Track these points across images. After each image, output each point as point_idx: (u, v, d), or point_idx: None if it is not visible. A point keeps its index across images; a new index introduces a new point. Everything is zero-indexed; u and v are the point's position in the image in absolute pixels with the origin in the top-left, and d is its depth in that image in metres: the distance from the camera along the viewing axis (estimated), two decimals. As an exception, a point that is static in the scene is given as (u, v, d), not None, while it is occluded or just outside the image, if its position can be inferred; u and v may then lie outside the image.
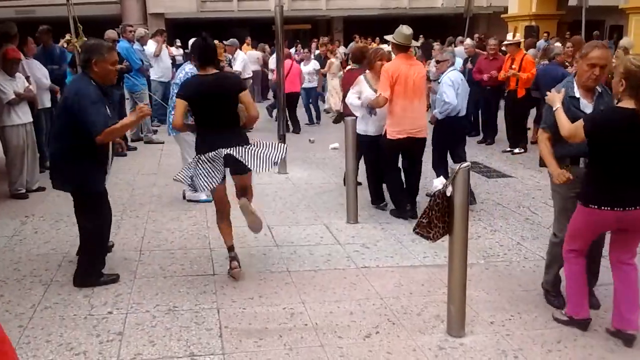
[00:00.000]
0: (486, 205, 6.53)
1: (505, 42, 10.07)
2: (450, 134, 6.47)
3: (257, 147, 4.25)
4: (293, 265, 4.70)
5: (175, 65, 12.88)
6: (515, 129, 9.53)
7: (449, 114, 6.22)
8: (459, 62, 11.24)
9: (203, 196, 6.18)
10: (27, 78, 6.85)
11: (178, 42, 18.89)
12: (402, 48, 5.83)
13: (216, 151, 4.14)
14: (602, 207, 3.40)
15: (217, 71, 4.36)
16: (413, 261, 4.84)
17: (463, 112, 6.51)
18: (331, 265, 4.73)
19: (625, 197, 3.36)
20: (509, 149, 9.45)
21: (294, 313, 3.87)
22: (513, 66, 9.21)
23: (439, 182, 3.47)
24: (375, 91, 5.88)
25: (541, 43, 15.74)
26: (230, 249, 4.46)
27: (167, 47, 15.90)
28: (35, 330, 3.61)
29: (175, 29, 24.36)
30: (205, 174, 4.15)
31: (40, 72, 7.36)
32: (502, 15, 21.27)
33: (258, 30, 21.81)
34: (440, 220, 3.42)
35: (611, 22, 25.03)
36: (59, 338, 3.53)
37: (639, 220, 3.40)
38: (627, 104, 3.31)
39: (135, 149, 9.33)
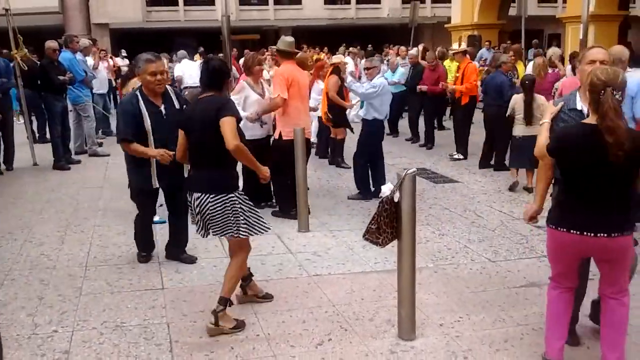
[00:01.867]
0: (434, 210, 6.66)
1: (452, 51, 10.39)
2: (371, 135, 7.01)
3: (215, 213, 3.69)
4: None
5: (121, 76, 12.62)
6: (457, 135, 9.77)
7: (370, 115, 6.90)
8: (400, 72, 11.55)
9: (155, 217, 6.05)
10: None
11: (124, 53, 18.55)
12: (287, 55, 6.33)
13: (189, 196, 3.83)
14: (560, 229, 3.10)
15: (212, 94, 3.72)
16: (364, 267, 4.89)
17: (380, 116, 7.03)
18: (283, 275, 4.73)
19: (586, 221, 3.01)
20: (454, 153, 9.64)
21: (245, 324, 3.84)
22: (457, 75, 9.49)
23: (386, 188, 3.50)
24: (261, 95, 6.27)
25: (483, 52, 16.23)
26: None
27: (111, 57, 15.61)
28: (-25, 353, 3.46)
29: (121, 39, 23.95)
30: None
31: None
32: (446, 25, 21.86)
33: (205, 41, 21.61)
34: (388, 225, 3.47)
35: (549, 31, 26.08)
36: (0, 360, 3.39)
37: (608, 249, 3.03)
38: (592, 119, 3.00)
39: (79, 162, 9.08)
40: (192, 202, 3.75)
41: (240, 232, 3.71)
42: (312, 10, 27.44)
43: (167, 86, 4.66)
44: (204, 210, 3.69)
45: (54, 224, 6.03)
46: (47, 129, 9.36)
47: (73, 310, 4.03)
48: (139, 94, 4.52)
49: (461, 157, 9.46)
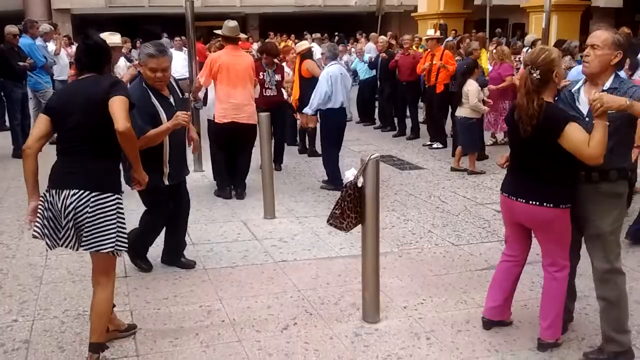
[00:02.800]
0: (399, 196, 6.73)
1: (426, 37, 10.41)
2: (334, 125, 6.94)
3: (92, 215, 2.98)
4: (209, 263, 4.65)
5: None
6: (433, 124, 9.75)
7: (325, 105, 6.75)
8: (366, 57, 11.53)
9: None
10: None
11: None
12: (229, 39, 6.47)
13: (51, 200, 3.01)
14: (502, 193, 3.42)
15: (93, 74, 3.11)
16: (330, 253, 4.92)
17: (345, 104, 6.98)
18: (249, 261, 4.72)
19: (511, 187, 3.35)
20: (428, 142, 9.65)
21: (210, 310, 3.84)
22: (433, 62, 9.44)
23: (350, 174, 3.52)
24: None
25: (449, 40, 16.36)
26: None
27: (72, 43, 15.24)
28: None
29: (82, 25, 23.33)
30: (46, 227, 3.06)
31: None
32: (412, 14, 21.93)
33: (170, 27, 21.24)
34: (352, 210, 3.50)
35: (514, 20, 26.41)
36: None
37: (528, 216, 3.28)
38: None
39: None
40: (58, 203, 2.97)
41: (119, 246, 3.05)
42: (279, -3, 27.23)
43: None
44: (80, 213, 2.95)
45: (13, 213, 5.89)
46: (7, 117, 9.09)
47: (33, 300, 3.96)
48: (145, 86, 4.04)
49: (440, 146, 9.45)
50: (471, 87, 7.66)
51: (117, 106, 2.95)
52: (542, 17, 10.38)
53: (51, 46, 9.95)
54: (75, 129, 3.01)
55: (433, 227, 5.66)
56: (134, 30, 22.45)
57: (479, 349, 3.42)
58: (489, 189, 7.01)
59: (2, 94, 8.88)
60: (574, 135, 3.02)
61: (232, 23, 6.46)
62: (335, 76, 6.71)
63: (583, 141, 3.00)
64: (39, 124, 3.09)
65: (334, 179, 6.88)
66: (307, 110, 6.99)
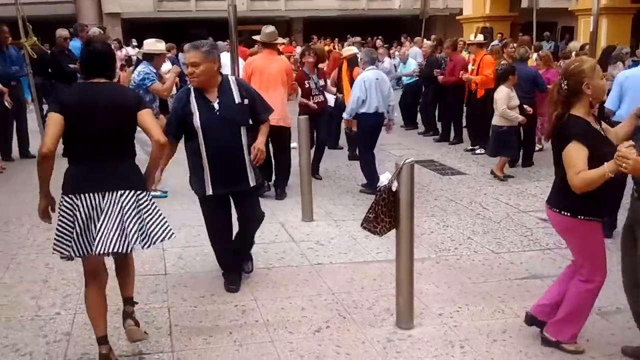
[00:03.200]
0: (439, 202, 6.66)
1: (468, 42, 10.28)
2: (367, 129, 6.92)
3: (147, 211, 3.21)
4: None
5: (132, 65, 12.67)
6: (475, 129, 9.54)
7: (359, 110, 6.78)
8: (411, 62, 11.46)
9: (156, 192, 6.18)
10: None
11: (134, 42, 18.63)
12: (266, 45, 6.78)
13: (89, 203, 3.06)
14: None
15: (107, 81, 3.22)
16: (366, 257, 4.91)
17: (381, 109, 6.88)
18: (285, 263, 4.76)
19: (550, 192, 3.44)
20: (470, 148, 9.50)
21: (245, 310, 3.89)
22: (472, 67, 9.33)
23: (384, 178, 3.52)
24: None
25: (495, 44, 16.10)
26: (103, 340, 3.16)
27: (119, 47, 15.69)
28: (-21, 334, 3.53)
29: (132, 29, 24.01)
30: (68, 234, 3.10)
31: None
32: (457, 17, 21.69)
33: (215, 30, 21.61)
34: (386, 215, 3.48)
35: (563, 23, 25.77)
36: (4, 340, 3.47)
37: (552, 221, 3.40)
38: None
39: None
40: (100, 204, 3.05)
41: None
42: (324, 1, 27.30)
43: (229, 77, 4.13)
44: (142, 210, 3.14)
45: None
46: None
47: (76, 294, 4.09)
48: (191, 86, 4.02)
49: (482, 151, 9.18)
50: (500, 94, 7.51)
51: (151, 119, 3.21)
52: (590, 21, 10.09)
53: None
54: (103, 132, 3.08)
55: (473, 233, 5.58)
56: (181, 34, 22.95)
57: None
58: (533, 197, 6.85)
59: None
60: (570, 154, 3.04)
61: (269, 29, 6.71)
62: (370, 81, 6.71)
63: (573, 165, 3.00)
64: (55, 124, 3.01)
65: (371, 183, 6.85)
66: (345, 115, 7.00)
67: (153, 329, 3.61)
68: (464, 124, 10.44)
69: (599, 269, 3.26)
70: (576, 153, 3.01)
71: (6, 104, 7.64)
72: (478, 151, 9.32)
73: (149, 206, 3.19)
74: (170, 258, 4.79)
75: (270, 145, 6.52)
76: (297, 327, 3.68)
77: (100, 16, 24.94)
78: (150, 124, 3.18)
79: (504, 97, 7.45)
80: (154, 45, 6.44)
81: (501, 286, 4.37)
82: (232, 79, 4.10)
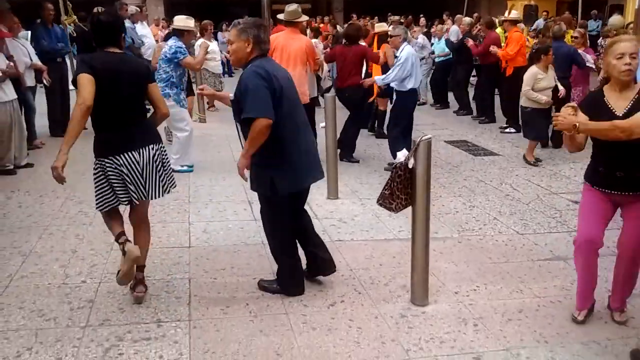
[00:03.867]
0: (468, 182, 6.58)
1: (502, 18, 10.06)
2: (402, 106, 6.97)
3: (163, 164, 3.69)
4: (268, 238, 4.78)
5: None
6: (506, 107, 9.50)
7: (400, 87, 6.88)
8: (441, 44, 11.25)
9: (178, 167, 6.42)
10: (10, 57, 6.89)
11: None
12: (289, 23, 6.90)
13: (131, 161, 3.50)
14: None
15: (120, 51, 3.53)
16: (387, 235, 4.92)
17: (416, 84, 6.98)
18: (306, 239, 4.80)
19: None
20: (502, 126, 9.44)
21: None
22: (502, 45, 9.18)
23: (401, 155, 3.50)
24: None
25: (540, 22, 15.63)
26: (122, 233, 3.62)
27: (163, 26, 15.90)
28: (9, 298, 3.72)
29: (174, 8, 24.26)
30: (111, 189, 3.54)
31: (22, 51, 7.45)
32: (502, -5, 21.06)
33: (257, 10, 21.65)
34: (402, 192, 3.48)
35: (612, 1, 24.73)
36: (31, 305, 3.63)
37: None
38: None
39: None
40: (146, 158, 3.53)
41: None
42: (365, -21, 26.94)
43: (250, 66, 3.52)
44: (165, 161, 3.72)
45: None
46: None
47: (103, 264, 4.25)
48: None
49: (513, 130, 9.11)
50: (527, 73, 7.31)
51: (158, 91, 3.73)
52: (639, -2, 9.65)
53: (139, 28, 10.44)
54: (128, 98, 3.50)
55: (499, 214, 5.50)
56: (222, 13, 23.07)
57: (527, 339, 3.33)
58: (567, 178, 6.70)
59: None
60: None
61: (292, 7, 6.88)
62: (413, 59, 6.82)
63: None
64: (89, 83, 3.30)
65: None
66: (379, 80, 7.08)
67: (173, 299, 3.73)
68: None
69: (578, 229, 3.42)
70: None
71: (44, 81, 7.88)
72: (508, 130, 9.19)
73: (165, 157, 3.75)
74: (195, 232, 4.90)
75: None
76: (312, 300, 3.73)
77: (144, -4, 25.27)
78: (158, 96, 3.72)
79: (529, 77, 7.24)
80: (184, 21, 6.57)
81: (522, 267, 4.32)
82: (248, 69, 3.50)
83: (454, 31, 12.15)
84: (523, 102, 7.45)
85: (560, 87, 7.49)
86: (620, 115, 3.15)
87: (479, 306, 3.70)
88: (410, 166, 3.44)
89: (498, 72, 9.65)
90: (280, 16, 7.12)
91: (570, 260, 4.41)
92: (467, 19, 11.62)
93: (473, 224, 5.24)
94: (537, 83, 7.22)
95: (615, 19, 10.17)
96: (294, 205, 3.79)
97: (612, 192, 3.29)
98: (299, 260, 3.84)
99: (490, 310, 3.66)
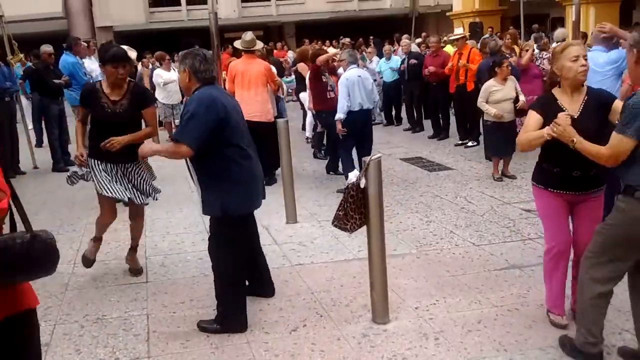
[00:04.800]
0: (425, 198, 6.69)
1: (452, 37, 10.31)
2: (352, 126, 6.98)
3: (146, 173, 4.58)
4: (228, 267, 4.74)
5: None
6: (466, 122, 9.56)
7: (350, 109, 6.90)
8: (396, 60, 11.49)
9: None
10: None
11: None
12: (246, 51, 7.52)
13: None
14: None
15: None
16: (347, 255, 4.94)
17: (366, 105, 7.01)
18: (266, 265, 4.79)
19: None
20: (460, 142, 9.52)
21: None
22: (460, 61, 9.35)
23: (353, 175, 3.54)
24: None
25: (485, 37, 16.11)
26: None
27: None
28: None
29: (125, 41, 24.12)
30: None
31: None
32: (447, 13, 21.78)
33: (209, 39, 21.73)
34: (355, 211, 3.52)
35: (555, 14, 25.78)
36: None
37: None
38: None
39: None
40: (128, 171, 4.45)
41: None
42: (315, 4, 27.44)
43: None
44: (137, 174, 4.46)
45: (49, 224, 6.13)
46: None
47: (57, 305, 4.14)
48: None
49: (475, 143, 9.27)
50: (482, 86, 7.42)
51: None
52: (578, 10, 10.05)
53: (87, 62, 10.33)
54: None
55: (455, 227, 5.60)
56: (174, 43, 23.02)
57: (487, 349, 3.38)
58: (518, 188, 6.88)
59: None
60: (526, 119, 3.45)
61: (248, 36, 7.49)
62: (352, 79, 6.85)
63: (524, 127, 3.42)
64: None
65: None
66: (340, 115, 6.93)
67: (131, 336, 3.66)
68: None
69: (548, 235, 3.53)
70: (529, 118, 3.40)
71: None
72: (470, 144, 9.34)
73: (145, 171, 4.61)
74: (152, 266, 4.83)
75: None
76: (273, 327, 3.71)
77: (93, 30, 25.15)
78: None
79: (483, 90, 7.34)
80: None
81: (479, 277, 4.39)
82: (193, 95, 3.62)
83: (401, 53, 12.42)
84: (485, 116, 7.47)
85: (522, 98, 7.40)
86: (576, 117, 3.25)
87: (439, 320, 3.75)
88: (362, 186, 3.49)
89: (448, 89, 9.90)
90: (237, 44, 7.66)
91: (525, 268, 4.53)
92: (406, 40, 11.91)
93: (430, 238, 5.32)
94: (492, 95, 7.25)
95: (559, 32, 10.59)
96: (246, 229, 3.83)
97: (568, 192, 3.39)
98: (244, 294, 3.77)
99: (450, 323, 3.70)
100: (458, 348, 3.40)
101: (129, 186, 4.44)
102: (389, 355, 3.34)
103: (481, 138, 9.17)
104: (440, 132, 10.27)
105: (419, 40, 15.96)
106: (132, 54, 6.84)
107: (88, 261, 4.62)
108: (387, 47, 12.27)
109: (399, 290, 4.18)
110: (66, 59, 9.24)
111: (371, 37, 21.48)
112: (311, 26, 26.48)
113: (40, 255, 1.95)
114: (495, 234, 5.36)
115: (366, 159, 3.51)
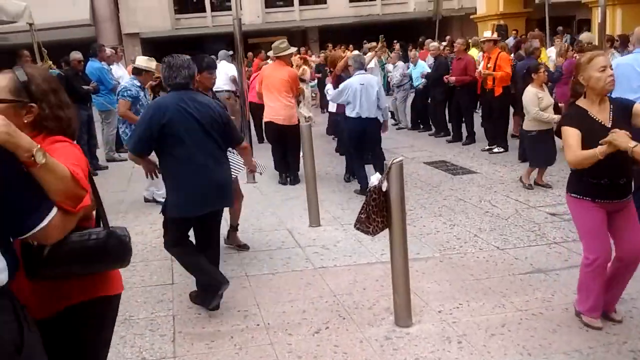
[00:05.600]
0: (448, 202, 6.66)
1: (482, 39, 10.20)
2: (350, 133, 7.26)
3: None
4: (252, 270, 4.80)
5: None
6: (494, 128, 9.38)
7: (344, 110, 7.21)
8: (421, 64, 11.45)
9: (160, 198, 6.49)
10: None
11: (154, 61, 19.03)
12: (277, 57, 7.79)
13: None
14: None
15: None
16: (370, 259, 4.96)
17: (365, 115, 6.99)
18: (289, 268, 4.83)
19: None
20: (487, 147, 9.34)
21: (247, 315, 3.97)
22: (488, 65, 9.23)
23: (375, 178, 3.56)
24: None
25: (510, 41, 15.98)
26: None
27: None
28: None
29: (152, 48, 24.49)
30: None
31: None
32: (472, 16, 21.63)
33: (233, 44, 21.94)
34: (378, 215, 3.53)
35: (581, 16, 25.42)
36: None
37: None
38: None
39: (106, 168, 9.41)
40: None
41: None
42: (338, 9, 27.50)
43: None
44: None
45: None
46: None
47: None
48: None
49: (502, 150, 9.11)
50: (527, 96, 6.83)
51: None
52: (605, 12, 9.90)
53: (115, 69, 10.54)
54: None
55: (479, 231, 5.57)
56: (200, 50, 23.28)
57: (510, 353, 3.37)
58: (544, 191, 6.81)
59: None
60: (564, 136, 3.40)
61: (276, 43, 7.74)
62: (354, 88, 6.97)
63: (568, 145, 3.35)
64: None
65: (362, 185, 7.05)
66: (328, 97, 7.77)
67: (157, 336, 3.73)
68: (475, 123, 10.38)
69: (591, 247, 3.48)
70: (567, 136, 3.34)
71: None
72: (496, 150, 9.21)
73: None
74: (178, 268, 4.88)
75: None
76: (296, 329, 3.75)
77: (120, 37, 25.56)
78: None
79: (532, 99, 6.76)
80: (145, 62, 6.86)
81: (504, 281, 4.37)
82: None
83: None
84: (526, 126, 7.01)
85: (560, 103, 7.16)
86: (609, 126, 3.28)
87: (462, 323, 3.74)
88: (384, 189, 3.50)
89: (475, 93, 9.82)
90: (270, 53, 8.35)
91: (550, 272, 4.50)
92: (434, 44, 11.86)
93: (454, 242, 5.30)
94: (540, 103, 6.78)
95: (584, 36, 10.44)
96: (185, 232, 4.10)
97: (613, 201, 3.40)
98: (207, 263, 4.03)
99: (474, 326, 3.70)
100: (481, 352, 3.39)
101: None
102: (411, 359, 3.35)
103: (510, 144, 9.15)
104: (460, 137, 10.20)
105: (434, 45, 15.71)
106: (152, 64, 6.94)
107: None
108: (412, 52, 12.22)
109: (422, 293, 4.18)
110: (92, 65, 9.47)
111: (395, 42, 21.51)
112: (334, 31, 26.53)
113: (114, 250, 2.14)
114: (520, 238, 5.32)
115: (389, 161, 3.52)
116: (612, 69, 3.35)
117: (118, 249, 2.15)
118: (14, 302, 1.80)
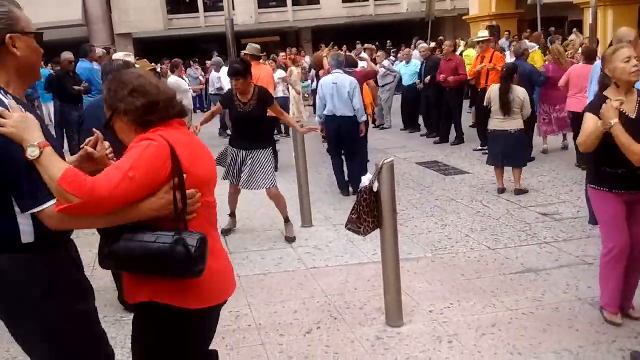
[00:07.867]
0: (440, 202, 6.68)
1: (477, 39, 10.25)
2: (330, 132, 7.26)
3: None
4: (243, 271, 4.79)
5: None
6: (485, 129, 9.41)
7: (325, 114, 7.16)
8: (415, 63, 11.47)
9: None
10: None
11: (146, 62, 18.97)
12: (253, 57, 8.14)
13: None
14: None
15: None
16: (362, 259, 4.96)
17: (339, 113, 7.00)
18: (281, 268, 4.84)
19: None
20: (479, 147, 9.29)
21: (239, 315, 3.97)
22: (483, 65, 9.28)
23: (366, 179, 3.57)
24: None
25: (503, 42, 16.04)
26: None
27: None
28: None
29: (144, 48, 24.46)
30: None
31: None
32: (464, 17, 21.69)
33: (225, 46, 21.91)
34: (369, 215, 3.54)
35: (573, 17, 25.56)
36: (5, 353, 3.59)
37: None
38: None
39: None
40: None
41: None
42: (331, 10, 27.53)
43: None
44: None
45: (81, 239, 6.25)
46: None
47: None
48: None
49: None
50: (523, 94, 6.77)
51: None
52: (597, 13, 9.97)
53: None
54: None
55: (471, 231, 5.59)
56: (192, 50, 23.30)
57: (501, 353, 3.38)
58: (535, 192, 6.83)
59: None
60: (583, 123, 3.43)
61: (255, 45, 8.46)
62: (327, 86, 7.03)
63: (583, 130, 3.42)
64: None
65: (339, 184, 7.22)
66: (317, 118, 7.53)
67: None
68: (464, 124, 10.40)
69: (609, 237, 3.54)
70: (586, 121, 3.41)
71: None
72: (486, 149, 9.21)
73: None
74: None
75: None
76: (288, 329, 3.75)
77: (113, 38, 25.49)
78: None
79: (527, 99, 6.80)
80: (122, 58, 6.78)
81: (495, 281, 4.39)
82: None
83: (417, 56, 12.38)
84: (520, 125, 6.88)
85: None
86: (633, 117, 3.33)
87: (453, 323, 3.75)
88: (375, 189, 3.51)
89: (462, 95, 9.86)
90: (246, 51, 8.55)
91: (541, 271, 4.52)
92: (424, 45, 11.88)
93: (446, 242, 5.32)
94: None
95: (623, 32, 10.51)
96: None
97: (632, 192, 3.44)
98: None
99: (465, 326, 3.71)
100: (472, 351, 3.41)
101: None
102: (402, 358, 3.36)
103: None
104: (447, 137, 10.25)
105: (424, 46, 15.65)
106: (130, 59, 6.95)
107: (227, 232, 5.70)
108: (406, 50, 12.23)
109: (414, 293, 4.19)
110: (82, 65, 9.40)
111: (387, 42, 21.58)
112: (328, 31, 26.55)
113: (179, 258, 1.98)
114: (511, 238, 5.34)
115: (379, 162, 3.53)
116: (637, 60, 3.37)
117: (182, 258, 1.98)
118: (48, 258, 2.04)
